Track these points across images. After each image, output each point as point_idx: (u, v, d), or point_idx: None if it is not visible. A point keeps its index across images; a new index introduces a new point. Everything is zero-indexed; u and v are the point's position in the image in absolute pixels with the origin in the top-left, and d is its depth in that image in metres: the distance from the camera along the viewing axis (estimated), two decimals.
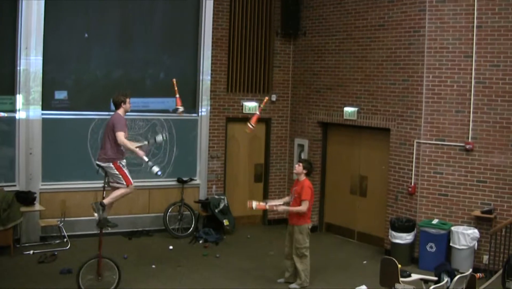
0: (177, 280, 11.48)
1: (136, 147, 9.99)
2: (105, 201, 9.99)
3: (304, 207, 10.86)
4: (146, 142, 10.60)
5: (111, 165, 9.85)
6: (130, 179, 9.94)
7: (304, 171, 11.06)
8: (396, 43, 13.27)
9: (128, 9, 14.31)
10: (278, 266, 12.11)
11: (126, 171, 9.94)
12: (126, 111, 10.12)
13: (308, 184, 11.03)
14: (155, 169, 10.06)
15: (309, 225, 11.12)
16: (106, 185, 10.15)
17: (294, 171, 11.25)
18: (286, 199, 11.48)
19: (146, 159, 9.95)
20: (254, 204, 11.00)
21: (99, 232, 10.28)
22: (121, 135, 9.78)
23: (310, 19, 15.53)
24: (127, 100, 10.08)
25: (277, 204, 11.34)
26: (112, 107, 10.30)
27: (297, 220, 10.99)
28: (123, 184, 9.92)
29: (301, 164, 11.14)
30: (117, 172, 9.86)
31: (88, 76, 14.02)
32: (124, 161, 10.03)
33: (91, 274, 10.14)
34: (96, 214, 10.06)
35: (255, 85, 15.72)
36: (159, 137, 10.65)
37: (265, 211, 15.97)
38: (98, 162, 10.00)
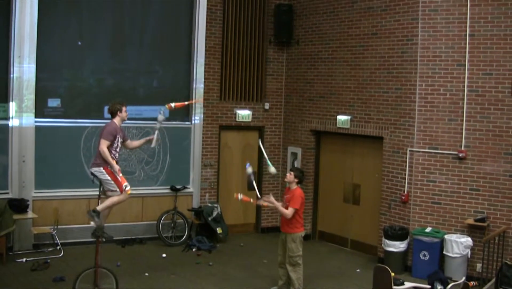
0: (170, 288, 11.44)
1: (148, 140, 10.37)
2: (98, 208, 9.90)
3: (289, 211, 10.75)
4: (155, 134, 10.49)
5: (102, 169, 9.75)
6: (123, 186, 9.76)
7: (296, 180, 10.99)
8: (389, 51, 13.32)
9: (121, 17, 14.32)
10: (272, 274, 12.10)
11: (118, 177, 9.78)
12: (122, 120, 10.08)
13: (300, 192, 10.95)
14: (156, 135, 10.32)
15: (302, 233, 11.08)
16: (101, 194, 10.03)
17: (286, 179, 11.18)
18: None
19: (120, 175, 9.79)
20: (240, 195, 11.05)
21: (95, 241, 10.20)
22: (102, 144, 9.71)
23: (303, 27, 15.57)
24: (123, 108, 10.04)
25: (268, 201, 11.16)
26: (106, 114, 10.27)
27: (290, 228, 10.92)
28: (116, 190, 9.85)
29: (292, 173, 11.05)
30: (108, 178, 9.77)
31: (82, 84, 14.01)
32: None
33: (88, 284, 10.06)
34: (92, 222, 9.95)
35: (248, 93, 15.73)
36: (160, 117, 10.53)
37: (258, 219, 15.99)
38: (90, 169, 9.95)
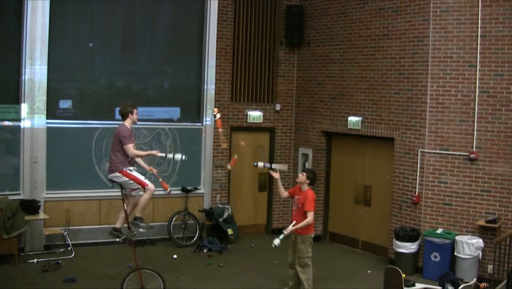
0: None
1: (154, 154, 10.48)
2: (138, 214, 10.13)
3: (310, 217, 10.77)
4: (163, 154, 10.58)
5: (118, 174, 9.90)
6: (144, 180, 9.96)
7: (308, 181, 10.99)
8: (400, 52, 13.29)
9: (132, 19, 14.38)
10: (282, 275, 12.09)
11: (136, 174, 9.96)
12: (133, 122, 10.20)
13: (312, 194, 10.95)
14: (178, 156, 10.30)
15: (312, 234, 11.09)
16: (124, 198, 10.18)
17: (297, 180, 11.17)
18: (283, 192, 11.59)
19: (163, 154, 10.28)
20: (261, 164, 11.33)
21: (129, 243, 10.43)
22: (130, 148, 9.88)
23: (314, 28, 15.56)
24: (135, 111, 10.16)
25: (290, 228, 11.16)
26: (117, 116, 10.34)
27: (300, 230, 10.93)
28: (138, 188, 9.95)
29: (304, 174, 11.06)
30: (126, 179, 9.88)
31: (93, 85, 14.06)
32: (133, 168, 10.08)
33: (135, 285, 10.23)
34: (141, 230, 10.29)
35: (259, 94, 15.74)
36: (178, 156, 10.46)
37: (269, 220, 16.01)
38: (108, 176, 10.10)
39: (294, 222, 10.90)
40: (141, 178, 9.97)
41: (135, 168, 10.12)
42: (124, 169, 9.87)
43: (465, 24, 12.37)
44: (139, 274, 10.16)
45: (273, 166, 11.54)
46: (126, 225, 10.28)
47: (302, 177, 11.04)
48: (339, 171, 15.34)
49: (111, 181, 10.07)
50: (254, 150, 15.82)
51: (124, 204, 10.15)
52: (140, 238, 14.24)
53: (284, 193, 11.50)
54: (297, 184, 11.21)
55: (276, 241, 10.69)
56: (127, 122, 10.11)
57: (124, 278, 10.17)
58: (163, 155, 10.33)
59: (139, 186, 9.97)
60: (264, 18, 15.66)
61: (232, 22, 15.27)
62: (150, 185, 9.99)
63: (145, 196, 10.03)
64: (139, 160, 10.44)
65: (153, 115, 14.48)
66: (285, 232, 10.81)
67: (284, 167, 12.18)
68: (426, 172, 12.81)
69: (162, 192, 14.29)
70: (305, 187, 10.99)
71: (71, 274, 11.66)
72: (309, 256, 11.00)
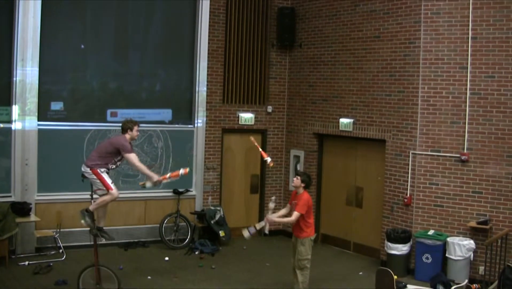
0: None
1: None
2: (91, 208, 10.08)
3: (293, 217, 10.72)
4: (160, 179, 10.38)
5: (89, 170, 9.89)
6: (111, 185, 9.91)
7: (303, 184, 10.85)
8: (392, 54, 13.32)
9: (124, 21, 14.36)
10: (274, 277, 12.11)
11: (105, 177, 9.92)
12: (132, 138, 10.26)
13: (306, 197, 10.83)
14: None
15: (312, 237, 11.03)
16: (93, 195, 10.20)
17: (292, 184, 11.08)
18: (283, 211, 11.42)
19: (160, 179, 10.20)
20: (249, 230, 10.97)
21: (93, 241, 10.36)
22: (134, 158, 10.02)
23: (305, 30, 15.58)
24: (135, 128, 10.23)
25: (276, 219, 11.17)
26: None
27: (300, 232, 10.88)
28: (104, 190, 9.95)
29: (299, 177, 10.90)
30: (95, 177, 9.90)
31: (84, 87, 14.03)
32: (105, 170, 10.01)
33: (91, 280, 10.31)
34: (83, 221, 10.18)
35: (251, 96, 15.74)
36: (148, 184, 10.32)
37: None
38: (82, 168, 10.08)
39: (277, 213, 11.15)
40: (108, 181, 9.92)
41: (106, 171, 10.10)
42: (97, 169, 9.88)
43: (456, 26, 12.41)
44: (96, 270, 10.22)
45: (257, 226, 11.17)
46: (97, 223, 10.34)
47: (296, 181, 10.90)
48: (331, 173, 15.35)
49: (83, 176, 10.05)
50: (246, 152, 15.81)
51: (92, 201, 10.20)
52: (131, 240, 14.26)
53: (293, 217, 10.91)
54: (293, 188, 11.15)
55: (246, 233, 10.87)
56: (126, 136, 10.15)
57: (81, 272, 10.33)
58: (160, 180, 10.22)
59: (104, 188, 9.95)
60: (256, 20, 15.67)
61: (224, 24, 15.27)
62: (114, 190, 9.96)
63: (106, 197, 10.00)
64: (142, 168, 10.30)
65: (145, 117, 14.45)
66: (257, 225, 10.97)
67: (261, 224, 11.25)
68: (417, 174, 12.84)
69: (154, 194, 14.43)
70: (301, 190, 10.87)
71: (63, 276, 11.59)
72: (308, 259, 10.94)
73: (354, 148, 14.67)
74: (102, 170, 9.93)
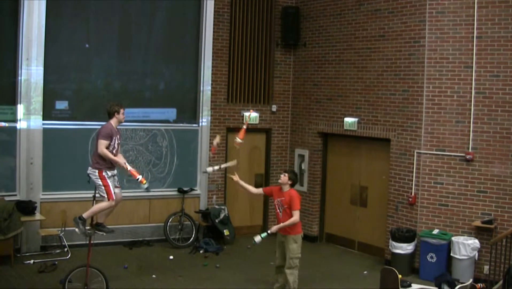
0: None
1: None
2: (84, 215, 9.92)
3: (296, 216, 10.71)
4: (128, 168, 9.97)
5: (96, 173, 9.78)
6: (113, 194, 9.74)
7: (290, 182, 10.89)
8: (396, 53, 13.31)
9: (128, 20, 14.36)
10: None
11: (109, 183, 9.76)
12: (119, 122, 10.04)
13: (296, 193, 10.89)
14: (144, 186, 10.09)
15: (302, 234, 11.08)
16: (94, 197, 10.10)
17: (280, 180, 11.09)
18: (250, 186, 11.70)
19: (128, 167, 9.80)
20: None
21: (87, 241, 10.38)
22: (101, 145, 9.68)
23: (310, 30, 15.58)
24: (121, 111, 10.00)
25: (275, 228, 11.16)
26: None
27: (291, 230, 10.85)
28: (104, 196, 9.81)
29: (287, 174, 10.94)
30: (100, 182, 9.75)
31: (89, 86, 14.05)
32: (112, 172, 9.91)
33: (79, 282, 10.25)
34: (76, 229, 10.02)
35: (256, 95, 15.75)
36: (144, 186, 10.19)
37: (265, 221, 16.02)
38: (89, 169, 9.93)
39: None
40: (111, 189, 9.72)
41: (114, 173, 9.97)
42: (103, 172, 9.73)
43: (461, 25, 12.40)
44: (87, 271, 10.19)
45: (222, 165, 11.61)
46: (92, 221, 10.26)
47: (284, 178, 10.92)
48: (335, 172, 15.35)
49: (88, 176, 9.94)
50: (250, 151, 15.81)
51: (94, 202, 10.07)
52: (136, 239, 14.28)
53: (255, 190, 11.52)
54: (278, 184, 11.13)
55: (257, 238, 10.79)
56: (113, 122, 9.93)
57: (70, 272, 10.31)
58: (128, 168, 9.79)
59: (105, 195, 9.76)
60: (260, 19, 15.67)
61: (228, 23, 15.27)
62: (113, 201, 9.79)
63: (103, 204, 9.81)
64: (108, 154, 9.84)
65: (150, 116, 14.49)
66: (269, 231, 10.89)
67: (233, 162, 11.85)
68: (422, 173, 12.83)
69: (159, 193, 14.44)
70: (287, 188, 10.90)
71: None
72: (299, 257, 10.94)
73: (359, 147, 14.66)
74: (109, 173, 9.80)
